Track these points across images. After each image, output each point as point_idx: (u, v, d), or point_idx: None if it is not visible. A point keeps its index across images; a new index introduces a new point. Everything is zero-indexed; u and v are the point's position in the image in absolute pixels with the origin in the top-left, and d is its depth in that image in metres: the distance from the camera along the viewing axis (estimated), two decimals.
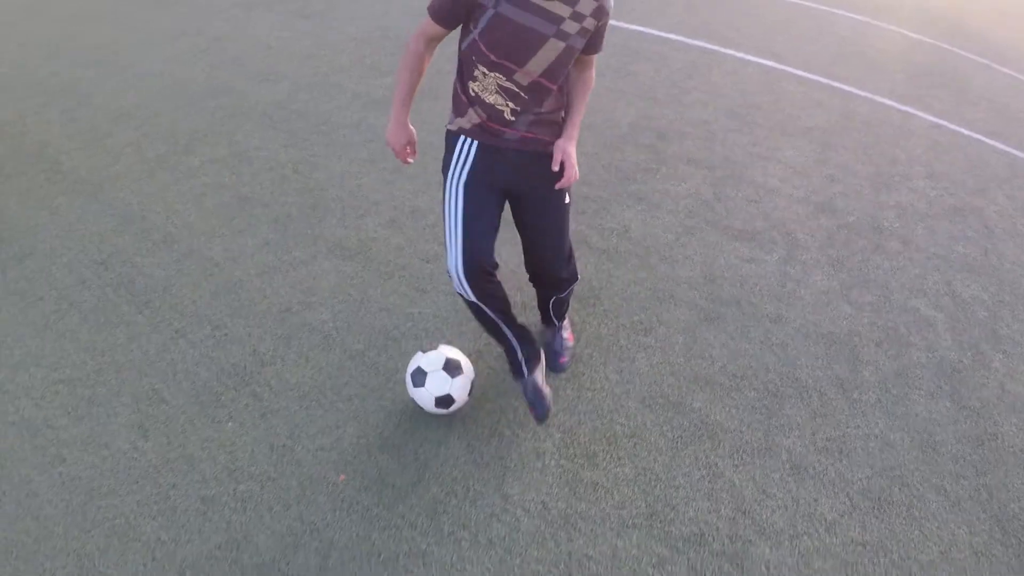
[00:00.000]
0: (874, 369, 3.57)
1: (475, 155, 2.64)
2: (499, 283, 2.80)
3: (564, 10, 2.32)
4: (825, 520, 2.88)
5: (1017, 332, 3.95)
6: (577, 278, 3.25)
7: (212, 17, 7.85)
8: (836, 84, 6.94)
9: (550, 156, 2.63)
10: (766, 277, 4.05)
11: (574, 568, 2.61)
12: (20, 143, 5.20)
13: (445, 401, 2.95)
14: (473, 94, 2.54)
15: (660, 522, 2.79)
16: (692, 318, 3.72)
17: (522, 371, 2.98)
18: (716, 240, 4.31)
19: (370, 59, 6.64)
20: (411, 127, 2.70)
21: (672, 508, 2.84)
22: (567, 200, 2.86)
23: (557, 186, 2.66)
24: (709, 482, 2.96)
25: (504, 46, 2.38)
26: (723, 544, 2.74)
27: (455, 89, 2.65)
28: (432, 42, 2.56)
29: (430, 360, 2.97)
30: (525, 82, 2.46)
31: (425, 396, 2.95)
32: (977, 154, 6.00)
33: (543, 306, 3.37)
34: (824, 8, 9.86)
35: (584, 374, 3.37)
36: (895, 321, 3.87)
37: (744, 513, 2.86)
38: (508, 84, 2.47)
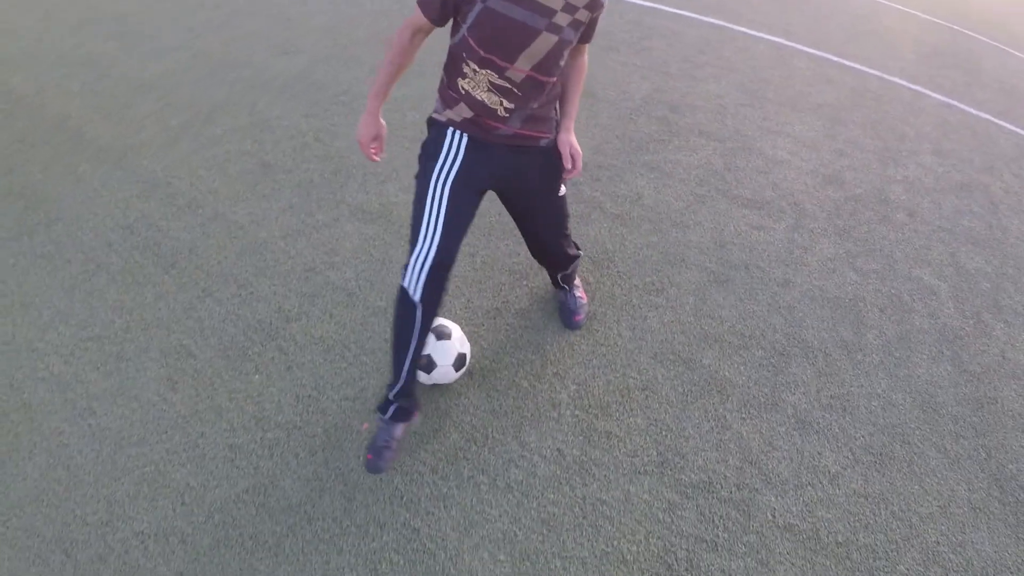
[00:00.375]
0: (878, 333, 3.66)
1: (465, 151, 2.55)
2: (446, 287, 2.61)
3: (556, 2, 2.24)
4: (829, 472, 2.99)
5: (1019, 303, 4.04)
6: (580, 254, 3.31)
7: None
8: (847, 62, 6.99)
9: (542, 151, 2.64)
10: (774, 244, 4.14)
11: (588, 511, 2.73)
12: (41, 114, 5.31)
13: (460, 361, 3.00)
14: (463, 92, 2.45)
15: (670, 469, 2.90)
16: (702, 280, 3.82)
17: (387, 410, 2.79)
18: (726, 208, 4.40)
19: (388, 32, 6.69)
20: (382, 121, 2.60)
21: (682, 457, 2.96)
22: (562, 192, 2.85)
23: (566, 177, 2.72)
24: (717, 433, 3.06)
25: (494, 41, 2.29)
26: (731, 492, 2.86)
27: (442, 83, 2.57)
28: (419, 35, 2.45)
29: (443, 350, 2.97)
30: (518, 78, 2.38)
31: (443, 371, 2.97)
32: (985, 133, 6.06)
33: (552, 277, 3.43)
34: None
35: (598, 331, 3.47)
36: (899, 288, 3.96)
37: (751, 463, 2.97)
38: (500, 81, 2.38)
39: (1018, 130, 6.28)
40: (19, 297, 3.62)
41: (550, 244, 3.09)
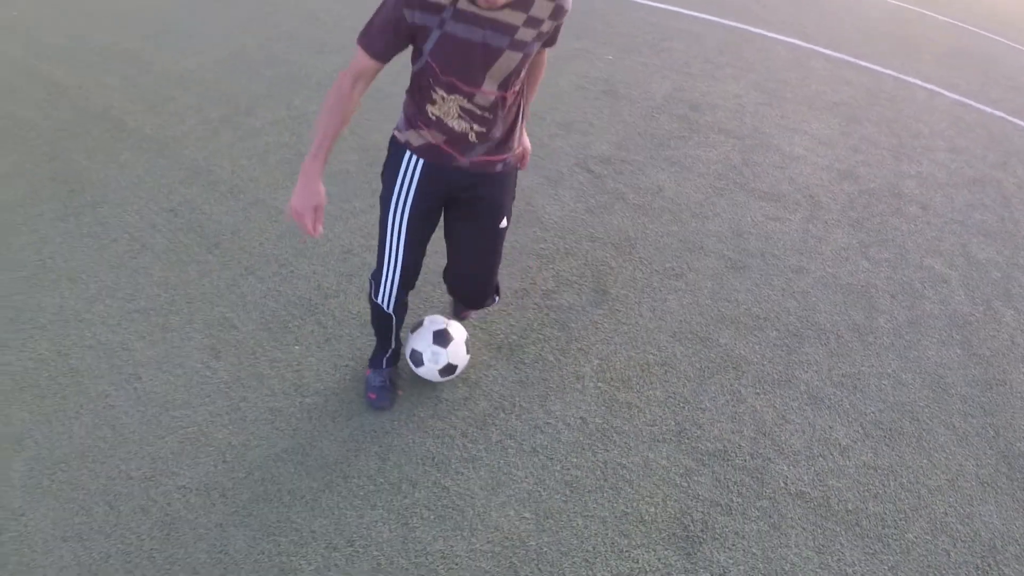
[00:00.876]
0: (889, 317, 3.80)
1: (420, 176, 2.49)
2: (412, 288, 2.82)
3: (517, 18, 2.10)
4: (839, 445, 3.14)
5: None
6: (497, 300, 3.14)
7: None
8: (863, 63, 7.13)
9: (496, 177, 2.56)
10: (789, 233, 4.29)
11: (609, 474, 2.89)
12: (83, 105, 5.50)
13: (448, 370, 3.06)
14: (434, 118, 2.35)
15: (688, 438, 3.06)
16: (719, 266, 3.97)
17: (381, 363, 3.09)
18: (743, 200, 4.56)
19: None
20: (322, 187, 2.38)
21: (699, 427, 3.11)
22: (504, 224, 2.72)
23: (519, 167, 2.71)
24: (733, 407, 3.22)
25: (457, 65, 2.18)
26: (745, 460, 3.01)
27: (407, 104, 2.46)
28: (361, 82, 2.27)
29: (420, 337, 3.04)
30: (487, 101, 2.28)
31: (429, 371, 3.05)
32: (1000, 131, 6.18)
33: (457, 308, 3.42)
34: None
35: (620, 311, 3.63)
36: (910, 277, 4.10)
37: (764, 435, 3.12)
38: (470, 106, 2.28)
39: None
40: (66, 272, 3.80)
41: (475, 280, 2.92)
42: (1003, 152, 5.73)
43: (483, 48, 2.13)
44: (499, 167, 2.54)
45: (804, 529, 2.81)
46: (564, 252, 3.82)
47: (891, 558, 2.79)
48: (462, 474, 2.87)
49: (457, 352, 3.05)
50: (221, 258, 3.87)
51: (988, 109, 6.58)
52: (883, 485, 3.03)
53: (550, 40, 2.34)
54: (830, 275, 4.01)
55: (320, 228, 2.39)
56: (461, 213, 2.68)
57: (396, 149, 2.54)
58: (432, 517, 2.72)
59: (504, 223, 2.71)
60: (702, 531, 2.76)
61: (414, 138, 2.45)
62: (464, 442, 2.98)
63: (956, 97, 6.69)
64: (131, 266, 3.83)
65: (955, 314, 3.90)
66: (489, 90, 2.25)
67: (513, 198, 2.74)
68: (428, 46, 2.15)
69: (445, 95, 2.27)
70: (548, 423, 3.07)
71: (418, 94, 2.35)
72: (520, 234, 4.08)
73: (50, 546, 2.57)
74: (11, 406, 3.10)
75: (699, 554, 2.69)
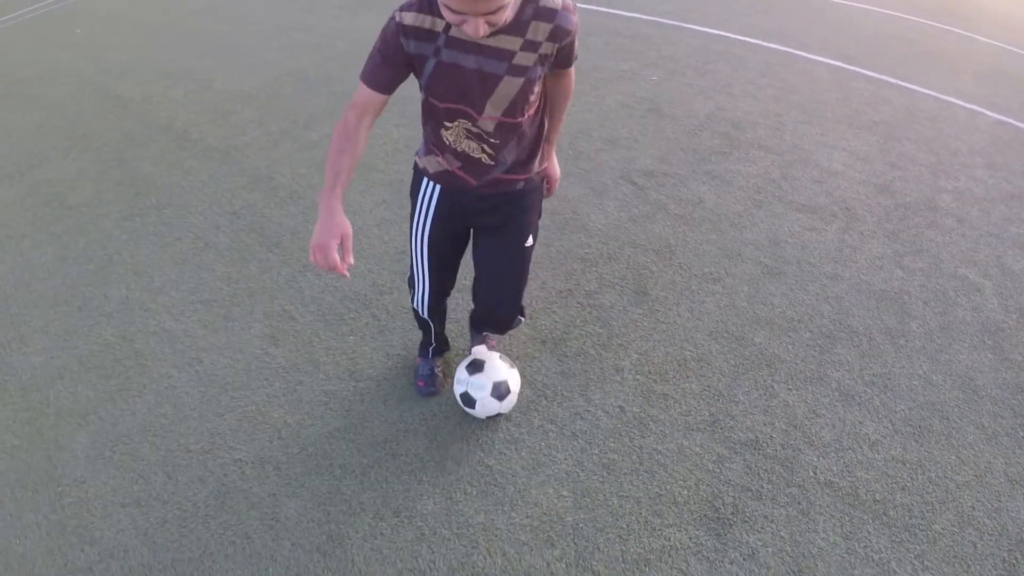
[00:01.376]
0: (921, 323, 3.90)
1: (437, 201, 2.52)
2: (446, 308, 3.07)
3: (512, 43, 2.04)
4: (869, 439, 3.24)
5: None
6: (522, 321, 3.08)
7: (321, 16, 8.49)
8: (904, 83, 7.21)
9: (516, 195, 2.51)
10: (825, 243, 4.40)
11: (645, 459, 3.04)
12: (149, 118, 5.83)
13: (493, 417, 3.14)
14: (447, 143, 2.32)
15: (721, 428, 3.19)
16: (756, 272, 4.10)
17: (428, 354, 3.30)
18: (781, 212, 4.68)
19: None
20: (346, 220, 2.19)
21: (732, 418, 3.24)
22: (529, 242, 2.65)
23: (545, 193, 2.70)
24: (765, 400, 3.34)
25: (454, 93, 2.15)
26: (775, 450, 3.13)
27: (425, 130, 2.44)
28: (368, 116, 2.22)
29: (479, 385, 2.99)
30: (489, 127, 2.23)
31: (476, 413, 3.07)
32: None
33: (476, 328, 3.39)
34: (894, 13, 10.10)
35: (659, 311, 3.78)
36: (944, 285, 4.19)
37: (796, 427, 3.24)
38: (477, 130, 2.25)
39: None
40: (132, 267, 4.06)
41: (500, 300, 2.82)
42: None
43: (479, 75, 2.10)
44: (520, 185, 2.50)
45: (832, 516, 2.92)
46: (607, 257, 3.98)
47: (917, 547, 2.88)
48: (505, 455, 3.03)
49: (510, 403, 3.07)
50: (281, 256, 4.10)
51: None
52: (911, 478, 3.12)
53: (562, 61, 2.23)
54: (864, 282, 4.12)
55: (350, 259, 2.18)
56: (485, 233, 2.65)
57: (416, 175, 2.58)
58: (475, 493, 2.88)
59: (529, 241, 2.64)
60: (732, 514, 2.88)
61: (431, 164, 2.46)
62: (508, 426, 3.15)
63: (997, 116, 6.73)
64: (195, 263, 4.07)
65: (988, 321, 3.98)
66: (493, 116, 2.20)
67: (539, 215, 2.69)
68: (426, 74, 2.13)
69: (449, 122, 2.25)
70: (588, 410, 3.22)
71: (429, 120, 2.34)
72: (565, 240, 4.26)
73: (109, 511, 2.78)
74: (77, 385, 3.33)
75: (729, 535, 2.81)
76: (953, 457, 3.23)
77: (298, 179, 4.86)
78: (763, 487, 2.98)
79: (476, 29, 1.87)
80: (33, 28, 9.34)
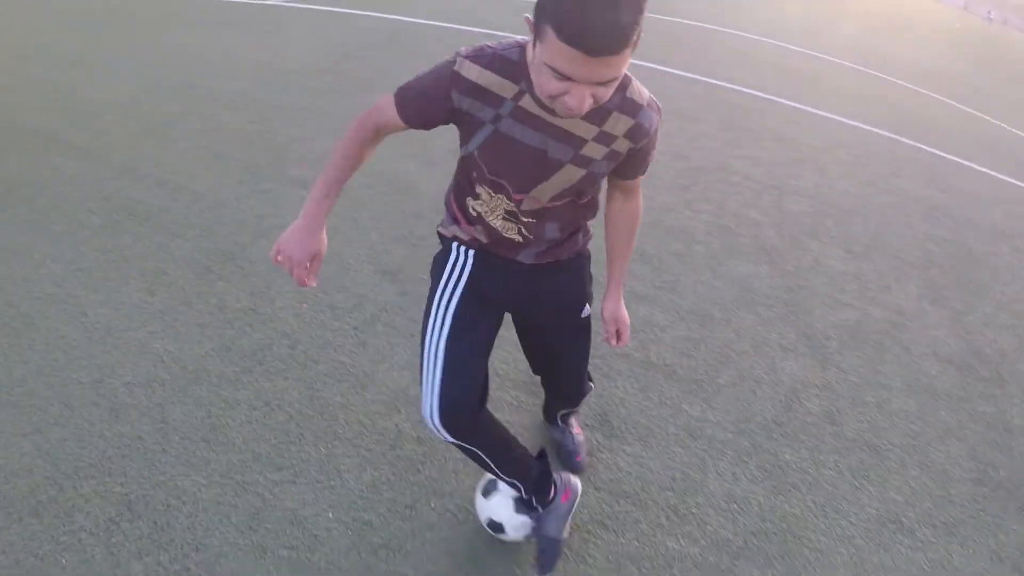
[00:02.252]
0: (705, 247, 4.72)
1: (472, 266, 2.15)
2: (487, 418, 2.24)
3: (588, 130, 1.78)
4: (659, 325, 4.00)
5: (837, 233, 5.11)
6: (591, 387, 2.88)
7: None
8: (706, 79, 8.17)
9: (566, 268, 2.23)
10: None
11: None
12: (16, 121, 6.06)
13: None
14: (475, 214, 2.04)
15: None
16: None
17: (533, 506, 2.46)
18: None
19: None
20: (324, 239, 2.01)
21: None
22: (586, 312, 2.41)
23: (611, 346, 2.47)
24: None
25: (507, 168, 1.86)
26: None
27: (448, 198, 2.18)
28: (383, 133, 1.98)
29: (511, 518, 2.52)
30: (534, 207, 1.96)
31: (515, 526, 2.53)
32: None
33: (550, 412, 3.08)
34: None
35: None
36: (727, 222, 5.01)
37: (594, 319, 3.92)
38: (515, 210, 1.97)
39: None
40: (10, 249, 4.21)
41: (565, 375, 2.65)
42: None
43: (540, 156, 1.82)
44: (565, 255, 2.19)
45: (630, 376, 3.64)
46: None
47: (704, 394, 3.64)
48: (355, 352, 3.59)
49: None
50: (152, 228, 4.51)
51: None
52: (695, 349, 3.90)
53: (630, 167, 1.97)
54: (656, 220, 4.90)
55: (313, 281, 1.99)
56: (532, 313, 2.37)
57: (444, 243, 2.24)
58: (331, 381, 3.45)
59: (586, 310, 2.41)
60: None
61: (460, 232, 2.15)
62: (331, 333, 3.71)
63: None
64: (70, 240, 4.33)
65: (765, 244, 4.88)
66: (539, 199, 1.94)
67: (591, 280, 2.42)
68: (477, 141, 1.85)
69: (491, 192, 1.96)
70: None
71: (464, 184, 2.05)
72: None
73: (11, 441, 3.03)
74: None
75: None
76: (732, 334, 4.03)
77: (162, 168, 5.29)
78: None
79: (581, 103, 1.54)
80: None
